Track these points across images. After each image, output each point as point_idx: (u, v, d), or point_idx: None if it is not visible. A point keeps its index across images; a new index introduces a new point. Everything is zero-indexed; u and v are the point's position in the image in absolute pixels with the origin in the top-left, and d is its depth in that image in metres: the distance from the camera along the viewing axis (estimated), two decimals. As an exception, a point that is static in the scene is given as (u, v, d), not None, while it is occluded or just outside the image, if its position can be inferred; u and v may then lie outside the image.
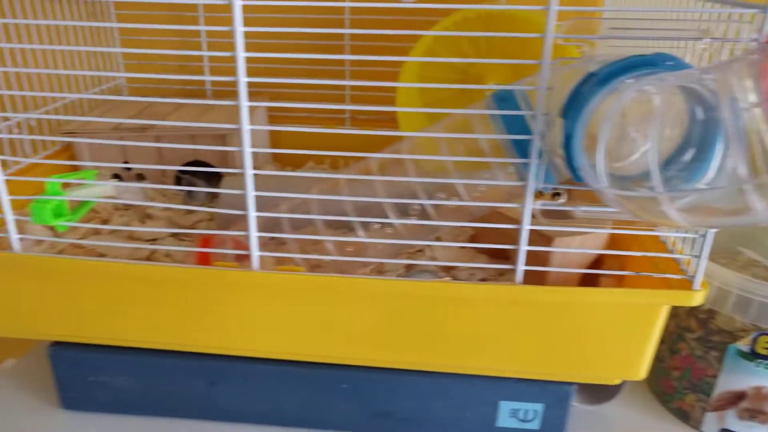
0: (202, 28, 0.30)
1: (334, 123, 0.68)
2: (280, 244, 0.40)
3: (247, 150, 0.32)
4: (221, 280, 0.35)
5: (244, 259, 0.38)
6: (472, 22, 0.53)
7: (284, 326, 0.37)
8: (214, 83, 0.68)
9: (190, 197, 0.55)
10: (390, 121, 0.68)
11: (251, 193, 0.33)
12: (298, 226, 0.39)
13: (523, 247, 0.32)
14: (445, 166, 0.35)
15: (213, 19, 0.65)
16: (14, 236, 0.36)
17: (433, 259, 0.41)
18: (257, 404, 0.40)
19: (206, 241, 0.39)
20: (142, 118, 0.56)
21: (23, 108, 0.54)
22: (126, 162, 0.56)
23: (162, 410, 0.41)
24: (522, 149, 0.33)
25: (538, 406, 0.38)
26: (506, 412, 0.38)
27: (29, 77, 0.53)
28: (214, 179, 0.57)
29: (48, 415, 0.42)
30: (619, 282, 0.38)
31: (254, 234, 0.33)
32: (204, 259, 0.38)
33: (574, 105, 0.29)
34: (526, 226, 0.31)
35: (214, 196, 0.55)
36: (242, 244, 0.39)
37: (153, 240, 0.48)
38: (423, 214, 0.35)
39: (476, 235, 0.43)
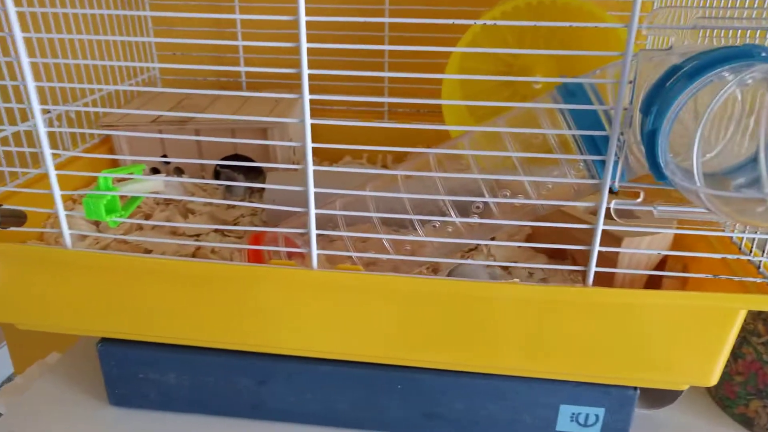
0: (252, 17, 0.29)
1: (371, 116, 0.67)
2: (329, 242, 0.39)
3: (309, 145, 0.31)
4: (278, 279, 0.34)
5: (296, 257, 0.38)
6: (522, 11, 0.51)
7: (339, 325, 0.36)
8: (248, 75, 0.67)
9: (228, 192, 0.54)
10: (429, 114, 0.67)
11: (312, 190, 0.32)
12: (350, 223, 0.38)
13: (596, 248, 0.30)
14: (507, 163, 0.33)
15: (248, 9, 0.64)
16: (66, 232, 0.36)
17: (490, 257, 0.39)
18: (307, 404, 0.40)
19: (257, 238, 0.38)
20: (180, 111, 0.55)
21: (62, 101, 0.54)
22: (164, 155, 0.55)
23: (210, 408, 0.41)
24: (594, 145, 0.31)
25: (600, 411, 0.37)
26: (566, 416, 0.37)
27: (65, 69, 0.52)
28: (252, 174, 0.56)
29: (96, 410, 0.42)
30: (683, 284, 0.37)
31: (314, 232, 0.33)
32: (257, 257, 0.37)
33: (658, 100, 0.27)
34: (601, 226, 0.30)
35: (254, 190, 0.54)
36: (293, 241, 0.38)
37: (196, 236, 0.47)
38: (486, 212, 0.34)
39: (534, 234, 0.42)
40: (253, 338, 0.38)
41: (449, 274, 0.36)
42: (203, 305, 0.37)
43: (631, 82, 0.28)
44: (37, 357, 0.49)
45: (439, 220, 0.34)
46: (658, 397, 0.40)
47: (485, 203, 0.34)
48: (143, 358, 0.40)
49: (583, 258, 0.38)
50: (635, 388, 0.36)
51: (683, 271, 0.37)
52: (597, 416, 0.37)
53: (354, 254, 0.35)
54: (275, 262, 0.34)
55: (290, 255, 0.39)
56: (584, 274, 0.31)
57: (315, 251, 0.33)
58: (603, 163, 0.31)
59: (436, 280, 0.32)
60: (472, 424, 0.38)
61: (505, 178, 0.33)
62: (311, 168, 0.31)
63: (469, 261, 0.38)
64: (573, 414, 0.37)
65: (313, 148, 0.31)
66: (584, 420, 0.37)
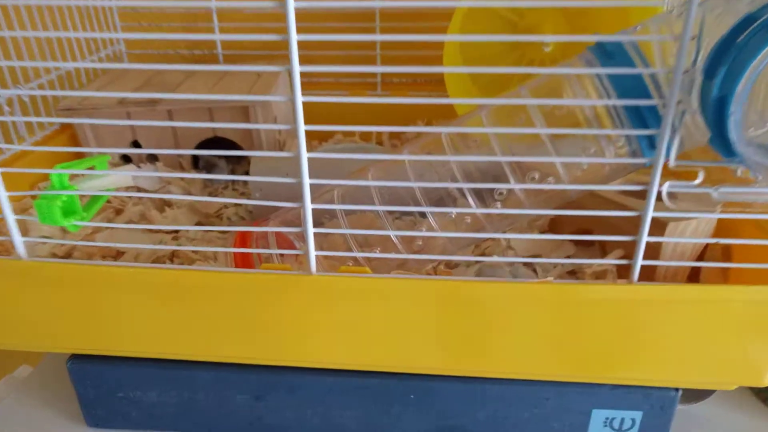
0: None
1: (360, 88, 0.62)
2: (325, 236, 0.34)
3: (302, 127, 0.26)
4: (270, 286, 0.29)
5: (292, 259, 0.33)
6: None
7: (344, 333, 0.31)
8: (225, 45, 0.60)
9: (210, 180, 0.49)
10: (427, 84, 0.61)
11: (307, 181, 0.27)
12: (349, 213, 0.33)
13: (645, 238, 0.26)
14: (531, 141, 0.29)
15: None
16: (18, 239, 0.30)
17: (509, 251, 0.35)
18: (310, 419, 0.35)
19: (244, 237, 0.33)
20: (150, 90, 0.49)
21: (11, 82, 0.47)
22: (136, 142, 0.49)
23: (201, 426, 0.37)
24: (639, 117, 0.27)
25: (637, 414, 0.33)
26: (599, 421, 0.33)
27: (12, 44, 0.45)
28: (235, 159, 0.50)
29: (72, 433, 0.37)
30: (724, 276, 0.33)
31: (311, 230, 0.28)
32: (245, 259, 0.32)
33: (727, 59, 0.22)
34: (651, 212, 0.25)
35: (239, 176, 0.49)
36: (285, 237, 0.33)
37: (175, 231, 0.42)
38: (510, 199, 0.29)
39: (555, 220, 0.38)
40: (246, 350, 0.33)
41: (479, 274, 0.32)
42: (186, 316, 0.32)
43: (694, 38, 0.23)
44: (5, 370, 0.44)
45: (457, 212, 0.29)
46: (693, 392, 0.37)
47: (508, 188, 0.29)
48: (121, 376, 0.35)
49: (613, 247, 0.34)
50: (677, 389, 0.32)
51: (723, 260, 0.33)
52: (633, 420, 0.33)
53: (359, 254, 0.30)
54: (266, 266, 0.29)
55: (285, 256, 0.34)
56: (628, 268, 0.27)
57: (313, 252, 0.28)
58: (649, 138, 0.26)
59: (461, 282, 0.28)
60: (496, 434, 0.35)
61: (538, 159, 0.28)
62: (305, 155, 0.26)
63: (505, 258, 0.33)
64: (607, 419, 0.33)
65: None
66: (619, 425, 0.33)
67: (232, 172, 0.50)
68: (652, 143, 0.26)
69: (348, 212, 0.31)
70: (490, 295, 0.28)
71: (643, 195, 0.25)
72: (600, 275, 0.32)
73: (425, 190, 0.30)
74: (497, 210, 0.28)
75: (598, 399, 0.33)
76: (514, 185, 0.28)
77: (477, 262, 0.32)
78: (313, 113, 0.27)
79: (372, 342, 0.31)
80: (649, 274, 0.29)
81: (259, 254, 0.33)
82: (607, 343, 0.30)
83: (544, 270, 0.33)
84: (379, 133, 0.58)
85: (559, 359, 0.30)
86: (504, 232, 0.34)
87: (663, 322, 0.28)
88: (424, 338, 0.31)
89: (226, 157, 0.50)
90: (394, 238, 0.30)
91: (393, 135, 0.58)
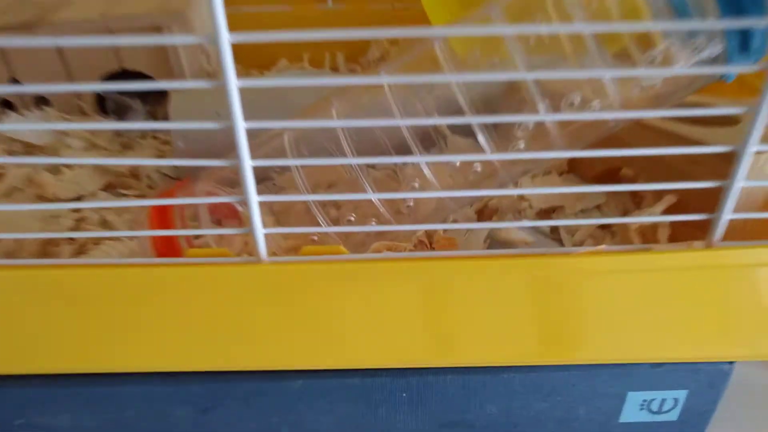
0: None
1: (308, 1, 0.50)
2: (280, 189, 0.25)
3: (225, 39, 0.16)
4: (204, 282, 0.21)
5: (231, 219, 0.24)
6: None
7: (310, 330, 0.23)
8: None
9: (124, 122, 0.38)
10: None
11: (241, 125, 0.17)
12: (309, 166, 0.24)
13: (739, 183, 0.18)
14: (567, 49, 0.20)
15: None
16: None
17: (523, 204, 0.27)
18: (277, 428, 0.28)
19: (163, 209, 0.23)
20: (27, 8, 0.37)
21: None
22: (14, 79, 0.38)
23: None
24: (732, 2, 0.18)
25: (681, 393, 0.27)
26: (634, 404, 0.27)
27: None
28: (153, 98, 0.39)
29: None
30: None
31: (255, 198, 0.18)
32: (166, 241, 0.23)
33: None
34: (754, 147, 0.17)
35: (158, 120, 0.38)
36: (220, 208, 0.24)
37: (76, 199, 0.32)
38: (537, 134, 0.21)
39: (575, 158, 0.30)
40: (183, 357, 0.25)
41: (489, 245, 0.24)
42: (95, 321, 0.23)
43: None
44: None
45: (467, 159, 0.20)
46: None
47: (536, 120, 0.20)
48: (18, 399, 0.26)
49: (653, 195, 0.26)
50: (731, 363, 0.26)
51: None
52: (676, 400, 0.27)
53: (330, 230, 0.21)
54: (195, 252, 0.20)
55: (220, 219, 0.25)
56: (705, 225, 0.19)
57: (260, 230, 0.19)
58: (743, 36, 0.18)
59: (471, 258, 0.20)
60: (510, 427, 0.28)
61: (582, 75, 0.19)
62: (234, 83, 0.17)
63: (531, 222, 0.25)
64: (644, 401, 0.27)
65: (235, 53, 0.17)
66: (658, 407, 0.28)
67: (153, 116, 0.39)
68: (746, 42, 0.18)
69: (307, 168, 0.22)
70: (518, 276, 0.21)
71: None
72: (646, 231, 0.24)
73: (415, 129, 0.21)
74: (522, 153, 0.20)
75: (635, 380, 0.27)
76: (545, 116, 0.19)
77: (487, 239, 0.24)
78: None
79: (348, 338, 0.24)
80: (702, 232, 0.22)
81: (183, 224, 0.24)
82: (667, 317, 0.23)
83: (567, 232, 0.26)
84: (333, 57, 0.47)
85: (609, 341, 0.24)
86: (518, 179, 0.26)
87: (741, 289, 0.21)
88: (421, 329, 0.23)
89: (142, 97, 0.39)
90: (375, 200, 0.21)
91: (350, 57, 0.47)
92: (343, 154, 0.22)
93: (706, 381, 0.27)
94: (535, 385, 0.27)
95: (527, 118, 0.20)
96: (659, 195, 0.25)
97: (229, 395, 0.27)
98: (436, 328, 0.23)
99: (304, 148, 0.24)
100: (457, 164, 0.21)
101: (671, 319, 0.24)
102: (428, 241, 0.25)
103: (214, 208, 0.26)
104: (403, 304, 0.22)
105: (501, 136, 0.21)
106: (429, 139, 0.24)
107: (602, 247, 0.20)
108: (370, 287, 0.21)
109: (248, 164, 0.19)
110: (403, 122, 0.20)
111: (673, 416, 0.28)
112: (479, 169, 0.21)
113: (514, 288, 0.21)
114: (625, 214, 0.26)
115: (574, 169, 0.29)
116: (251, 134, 0.19)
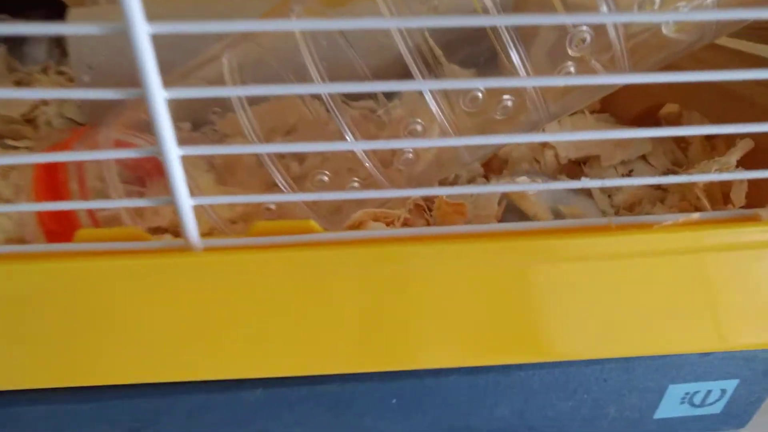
0: None
1: None
2: (222, 137, 0.18)
3: None
4: (113, 279, 0.14)
5: (162, 209, 0.17)
6: None
7: (265, 329, 0.17)
8: None
9: (13, 56, 0.29)
10: None
11: (142, 28, 0.10)
12: (258, 99, 0.17)
13: None
14: None
15: None
16: None
17: (548, 152, 0.20)
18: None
19: (53, 168, 0.16)
20: None
21: None
22: None
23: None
24: None
25: (731, 384, 0.22)
26: (675, 398, 0.23)
27: None
28: (56, 16, 0.31)
29: None
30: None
31: (174, 150, 0.11)
32: (59, 218, 0.16)
33: None
34: None
35: (61, 49, 0.30)
36: (142, 162, 0.17)
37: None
38: (598, 49, 0.14)
39: (611, 98, 0.23)
40: (97, 369, 0.18)
41: (503, 218, 0.17)
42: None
43: None
44: None
45: (490, 85, 0.13)
46: None
47: (592, 35, 0.14)
48: None
49: (712, 140, 0.20)
50: (792, 347, 0.21)
51: None
52: (724, 391, 0.23)
53: (293, 197, 0.14)
54: (92, 235, 0.13)
55: (143, 178, 0.18)
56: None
57: (186, 201, 0.12)
58: None
59: (485, 237, 0.13)
60: (524, 431, 0.23)
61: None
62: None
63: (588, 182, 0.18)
64: (687, 394, 0.23)
65: None
66: (702, 399, 0.23)
67: (60, 46, 0.31)
68: None
69: (254, 102, 0.15)
70: (551, 257, 0.15)
71: None
72: (712, 189, 0.19)
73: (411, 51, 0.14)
74: (570, 80, 0.13)
75: (678, 372, 0.22)
76: (610, 15, 0.12)
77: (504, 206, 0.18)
78: None
79: (319, 339, 0.17)
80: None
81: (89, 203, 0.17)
82: (721, 302, 0.18)
83: (602, 191, 0.20)
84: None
85: (653, 331, 0.18)
86: (554, 121, 0.19)
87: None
88: (420, 327, 0.17)
89: (45, 17, 0.30)
90: (359, 153, 0.14)
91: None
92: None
93: (760, 368, 0.22)
94: (558, 383, 0.21)
95: (582, 19, 0.13)
96: (713, 140, 0.19)
97: (167, 411, 0.20)
98: (440, 324, 0.18)
99: (250, 78, 0.17)
100: (480, 96, 0.14)
101: (730, 304, 0.18)
102: (426, 206, 0.18)
103: (134, 164, 0.18)
104: (391, 297, 0.16)
105: (539, 55, 0.14)
106: (426, 67, 0.17)
107: (695, 215, 0.14)
108: (346, 276, 0.15)
109: (160, 95, 0.11)
110: (408, 22, 0.13)
111: (716, 409, 0.23)
112: (510, 103, 0.14)
113: (541, 273, 0.15)
114: (674, 164, 0.20)
115: (609, 108, 0.22)
116: (175, 59, 0.12)
